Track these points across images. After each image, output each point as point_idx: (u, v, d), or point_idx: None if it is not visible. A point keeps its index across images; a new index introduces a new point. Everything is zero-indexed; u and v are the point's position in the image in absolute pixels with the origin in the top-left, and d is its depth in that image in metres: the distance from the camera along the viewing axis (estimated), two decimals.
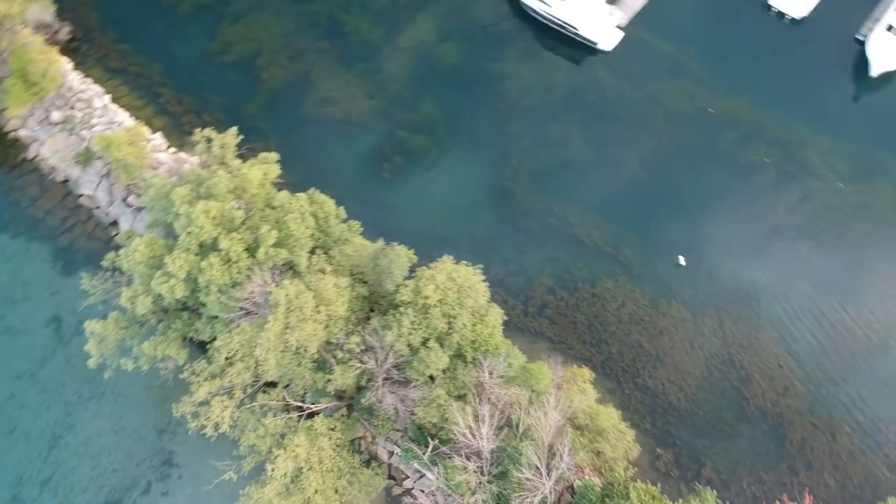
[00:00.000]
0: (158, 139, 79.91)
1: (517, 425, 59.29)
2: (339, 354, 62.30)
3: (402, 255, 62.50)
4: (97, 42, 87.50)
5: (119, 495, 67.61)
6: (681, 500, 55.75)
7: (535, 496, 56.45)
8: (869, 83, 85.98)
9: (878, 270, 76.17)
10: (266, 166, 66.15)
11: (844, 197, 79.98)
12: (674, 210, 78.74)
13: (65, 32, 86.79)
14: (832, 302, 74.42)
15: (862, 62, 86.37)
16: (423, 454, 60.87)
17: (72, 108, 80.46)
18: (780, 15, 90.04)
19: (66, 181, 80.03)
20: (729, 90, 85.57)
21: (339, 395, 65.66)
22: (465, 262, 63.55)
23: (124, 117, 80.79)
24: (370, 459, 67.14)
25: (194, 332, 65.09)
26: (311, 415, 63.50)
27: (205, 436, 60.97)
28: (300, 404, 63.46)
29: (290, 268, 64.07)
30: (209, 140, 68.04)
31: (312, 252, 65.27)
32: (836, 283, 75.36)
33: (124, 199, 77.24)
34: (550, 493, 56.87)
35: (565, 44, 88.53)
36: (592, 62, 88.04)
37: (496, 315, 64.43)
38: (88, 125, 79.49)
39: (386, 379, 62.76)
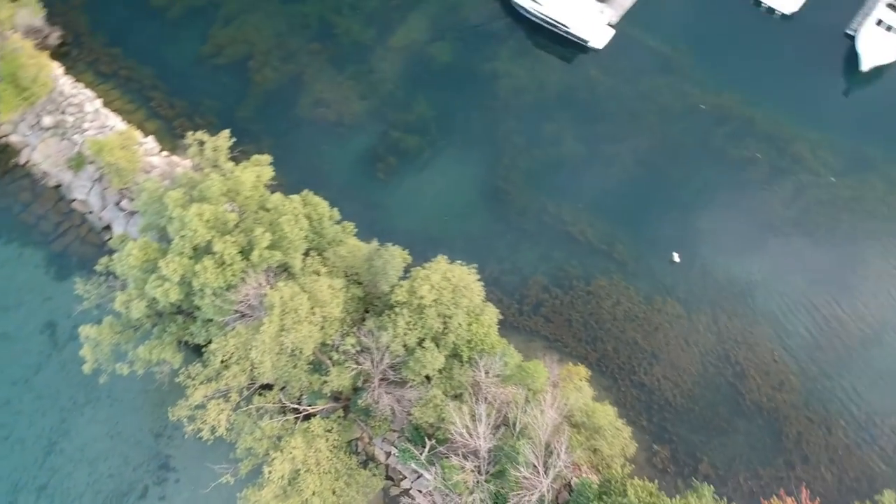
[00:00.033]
0: (151, 143, 79.76)
1: (514, 424, 59.33)
2: (335, 356, 62.26)
3: (396, 256, 62.49)
4: (87, 46, 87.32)
5: (116, 500, 67.44)
6: (678, 497, 55.79)
7: (532, 494, 56.49)
8: (859, 77, 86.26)
9: (871, 263, 76.43)
10: (259, 168, 66.06)
11: (836, 191, 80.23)
12: (667, 207, 78.89)
13: (55, 37, 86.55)
14: (826, 296, 74.65)
15: (852, 57, 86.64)
16: (421, 454, 60.86)
17: (63, 112, 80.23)
18: (770, 10, 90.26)
19: (58, 186, 79.82)
20: (720, 86, 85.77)
21: (336, 397, 65.63)
22: (459, 261, 63.61)
23: (116, 121, 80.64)
24: (367, 460, 67.12)
25: (189, 335, 65.01)
26: (308, 417, 63.43)
27: (201, 439, 60.87)
28: (296, 406, 63.40)
29: (285, 270, 64.01)
30: (202, 143, 67.90)
31: (307, 254, 65.23)
32: (830, 276, 75.60)
33: (117, 204, 77.07)
34: (548, 491, 56.92)
35: (557, 42, 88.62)
36: (584, 60, 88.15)
37: (491, 314, 64.47)
38: (80, 130, 79.29)
39: (382, 380, 62.76)
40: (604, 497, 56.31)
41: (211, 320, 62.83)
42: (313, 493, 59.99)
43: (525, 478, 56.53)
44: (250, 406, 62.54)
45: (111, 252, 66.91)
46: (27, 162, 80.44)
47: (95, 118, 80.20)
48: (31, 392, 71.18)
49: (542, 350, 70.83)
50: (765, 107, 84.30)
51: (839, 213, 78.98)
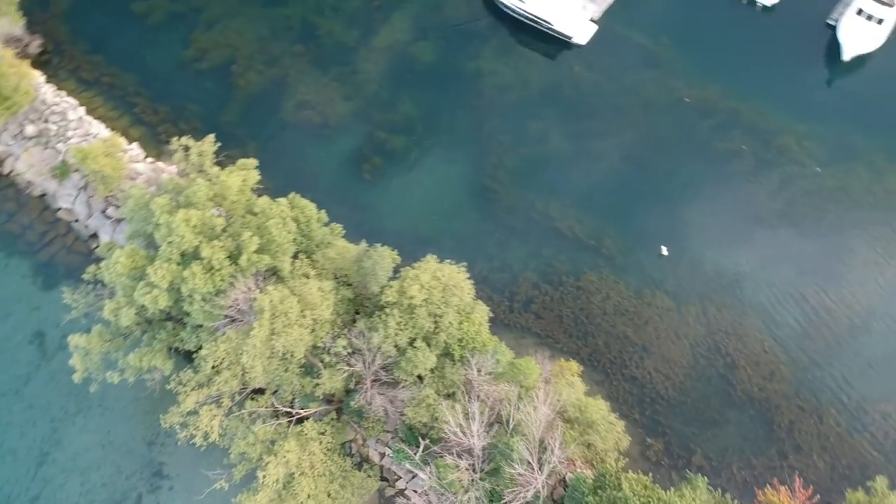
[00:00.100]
0: (135, 149, 79.38)
1: (507, 421, 59.40)
2: (327, 358, 62.17)
3: (385, 257, 62.44)
4: (69, 54, 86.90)
5: None
6: (672, 489, 55.96)
7: (527, 491, 56.59)
8: (841, 67, 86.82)
9: (857, 252, 76.88)
10: (245, 172, 65.84)
11: (822, 181, 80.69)
12: (654, 200, 79.12)
13: (35, 45, 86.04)
14: (813, 285, 75.04)
15: (834, 47, 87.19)
16: (415, 454, 60.87)
17: (46, 121, 79.75)
18: (752, 2, 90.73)
19: (43, 195, 79.35)
20: (704, 79, 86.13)
21: (328, 399, 65.51)
22: (448, 260, 63.59)
23: (100, 129, 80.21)
24: (362, 462, 67.02)
25: (179, 341, 64.74)
26: (301, 420, 63.31)
27: (194, 445, 60.64)
28: (289, 410, 63.26)
29: (274, 273, 63.84)
30: (187, 148, 67.61)
31: (295, 257, 65.10)
32: (817, 266, 76.01)
33: (103, 211, 76.67)
34: (543, 487, 57.04)
35: (540, 39, 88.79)
36: (568, 56, 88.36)
37: (482, 312, 64.51)
38: (64, 138, 78.82)
39: (374, 381, 62.70)
40: (599, 491, 56.43)
41: (201, 326, 62.58)
42: (308, 497, 59.94)
43: (520, 475, 56.63)
44: (243, 411, 62.36)
45: (98, 260, 66.52)
46: (11, 172, 79.92)
47: (79, 126, 79.75)
48: (22, 403, 70.69)
49: (534, 346, 70.91)
50: (749, 99, 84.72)
51: (825, 203, 79.43)
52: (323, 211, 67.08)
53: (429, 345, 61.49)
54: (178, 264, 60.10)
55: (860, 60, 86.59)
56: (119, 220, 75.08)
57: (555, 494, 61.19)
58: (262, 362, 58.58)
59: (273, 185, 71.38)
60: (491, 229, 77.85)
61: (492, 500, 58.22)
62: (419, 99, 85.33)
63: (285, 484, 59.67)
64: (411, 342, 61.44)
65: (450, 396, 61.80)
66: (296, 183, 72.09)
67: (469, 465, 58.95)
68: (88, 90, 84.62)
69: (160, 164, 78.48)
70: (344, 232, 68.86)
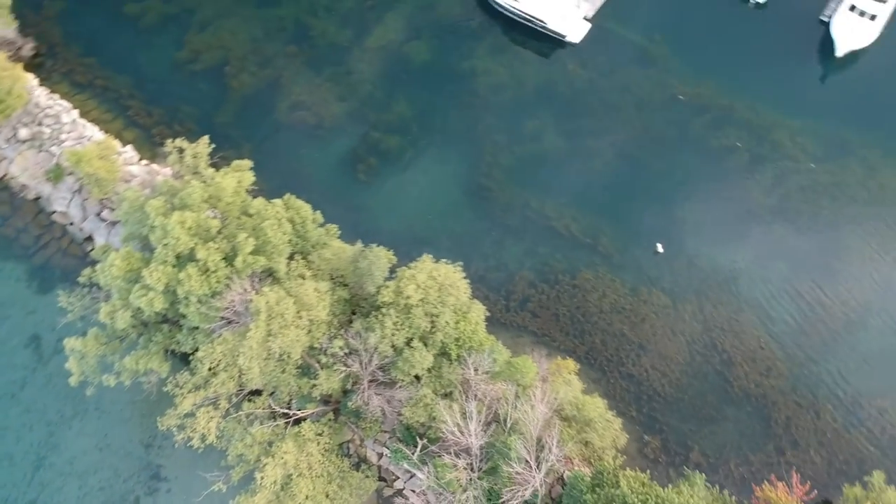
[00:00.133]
0: (130, 152, 79.25)
1: (505, 420, 59.42)
2: (323, 359, 62.12)
3: (381, 257, 62.42)
4: (62, 57, 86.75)
5: None
6: (670, 486, 56.05)
7: (525, 489, 56.63)
8: (835, 63, 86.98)
9: (852, 248, 77.03)
10: (240, 174, 65.77)
11: (816, 177, 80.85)
12: (649, 198, 79.20)
13: (28, 48, 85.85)
14: (809, 281, 75.17)
15: (827, 43, 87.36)
16: (413, 454, 60.86)
17: (40, 124, 79.57)
18: None
19: (37, 199, 79.16)
20: (698, 76, 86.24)
21: (326, 400, 65.48)
22: (444, 260, 63.58)
23: (94, 131, 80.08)
24: (360, 462, 67.00)
25: (176, 344, 64.66)
26: (298, 421, 63.29)
27: (192, 448, 60.59)
28: (286, 411, 63.23)
29: (270, 275, 63.78)
30: (181, 150, 67.52)
31: (291, 258, 65.05)
32: (812, 262, 76.15)
33: (98, 214, 76.53)
34: (541, 485, 57.08)
35: (534, 38, 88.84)
36: (562, 55, 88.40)
37: (478, 311, 64.51)
38: (58, 141, 78.68)
39: (371, 381, 62.68)
40: (597, 489, 56.48)
41: (197, 328, 62.51)
42: (306, 498, 59.89)
43: (518, 473, 56.67)
44: (240, 412, 62.32)
45: (94, 263, 66.39)
46: (5, 175, 79.73)
47: (73, 129, 79.62)
48: (18, 407, 70.55)
49: (531, 345, 70.95)
50: (743, 95, 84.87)
51: (820, 198, 79.59)
52: (318, 212, 67.05)
53: (426, 344, 61.49)
54: (174, 266, 60.00)
55: (853, 56, 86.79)
56: (114, 223, 74.94)
57: (553, 493, 61.22)
58: (259, 364, 58.52)
59: (268, 187, 71.33)
60: (487, 228, 77.86)
61: (490, 499, 58.24)
62: (414, 99, 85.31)
63: (283, 485, 59.62)
64: (408, 342, 61.42)
65: (447, 396, 61.81)
66: (291, 184, 72.08)
67: (467, 464, 58.96)
68: (82, 93, 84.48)
69: (155, 166, 78.38)
70: (339, 232, 68.87)
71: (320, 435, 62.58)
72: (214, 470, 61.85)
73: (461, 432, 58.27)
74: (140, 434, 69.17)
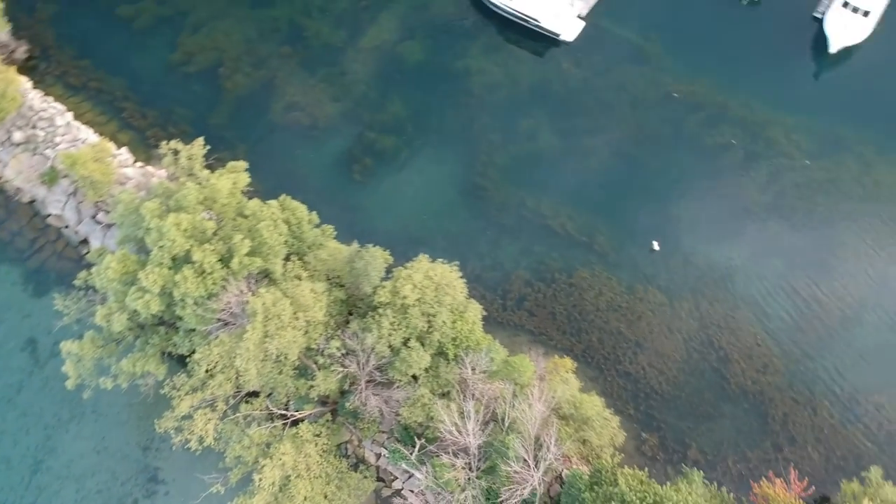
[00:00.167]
0: (124, 154, 79.11)
1: (503, 419, 59.43)
2: (321, 360, 62.08)
3: (377, 257, 62.38)
4: (56, 59, 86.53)
5: None
6: (668, 483, 56.13)
7: (524, 488, 56.64)
8: (828, 60, 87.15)
9: (847, 244, 77.20)
10: (235, 175, 65.68)
11: (811, 173, 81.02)
12: (645, 196, 79.29)
13: (21, 51, 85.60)
14: (805, 278, 75.31)
15: (820, 39, 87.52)
16: (411, 454, 60.84)
17: (34, 127, 79.37)
18: None
19: (32, 202, 78.97)
20: (692, 74, 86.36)
21: (323, 401, 65.44)
22: (441, 259, 63.56)
23: (88, 134, 79.89)
24: (358, 463, 66.98)
25: (172, 346, 64.54)
26: (296, 422, 63.24)
27: (190, 450, 60.51)
28: (284, 412, 63.17)
29: (266, 276, 63.71)
30: (176, 152, 67.37)
31: (287, 259, 64.97)
32: (808, 259, 76.30)
33: (93, 217, 76.37)
34: (539, 484, 57.10)
35: (528, 37, 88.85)
36: (556, 53, 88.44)
37: (475, 311, 64.53)
38: (52, 144, 78.49)
39: (369, 381, 62.65)
40: (595, 487, 56.52)
41: (194, 330, 62.40)
42: (305, 499, 59.84)
43: (516, 472, 56.68)
44: (237, 414, 62.25)
45: (89, 266, 66.31)
46: None
47: (67, 132, 79.42)
48: (14, 411, 70.38)
49: (528, 344, 70.97)
50: (737, 92, 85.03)
51: (815, 195, 79.76)
52: (314, 212, 66.99)
53: (423, 344, 61.47)
54: (170, 268, 59.91)
55: (847, 52, 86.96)
56: (109, 226, 74.80)
57: (551, 491, 61.26)
58: (256, 365, 58.44)
59: (263, 188, 71.31)
60: (482, 228, 77.87)
61: (488, 499, 58.25)
62: (408, 99, 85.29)
63: (281, 486, 59.54)
64: (405, 342, 61.42)
65: (445, 395, 61.80)
66: (286, 185, 72.06)
67: (465, 463, 58.96)
68: (76, 95, 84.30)
69: (149, 168, 78.23)
70: (335, 233, 68.85)
71: (318, 436, 62.54)
72: (212, 472, 61.79)
73: (459, 432, 58.27)
74: (137, 437, 69.04)
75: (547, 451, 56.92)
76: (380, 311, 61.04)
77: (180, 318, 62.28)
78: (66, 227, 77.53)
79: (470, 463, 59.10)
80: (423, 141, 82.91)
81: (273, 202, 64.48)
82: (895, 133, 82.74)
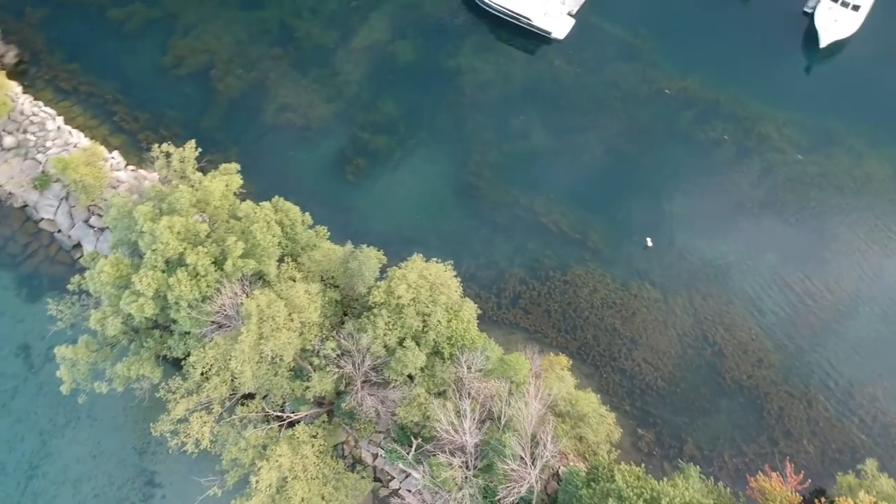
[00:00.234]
0: (116, 157, 78.93)
1: (499, 417, 59.49)
2: (316, 361, 62.00)
3: (371, 257, 62.34)
4: (46, 63, 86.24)
5: None
6: (665, 479, 56.22)
7: (521, 486, 56.68)
8: (819, 54, 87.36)
9: (840, 237, 77.47)
10: (227, 177, 65.55)
11: (803, 168, 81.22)
12: (638, 192, 79.40)
13: (11, 56, 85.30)
14: (798, 272, 75.56)
15: (811, 34, 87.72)
16: (408, 454, 60.86)
17: (24, 132, 79.14)
18: None
19: (24, 206, 78.67)
20: (683, 70, 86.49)
21: (319, 402, 65.37)
22: (435, 259, 63.63)
23: (80, 138, 79.70)
24: (355, 463, 66.94)
25: (167, 349, 64.39)
26: (292, 423, 63.17)
27: (186, 453, 60.33)
28: (280, 414, 63.09)
29: (260, 278, 63.62)
30: (168, 155, 67.25)
31: (281, 260, 64.90)
32: (801, 253, 76.53)
33: (86, 221, 76.15)
34: (536, 481, 57.15)
35: (519, 35, 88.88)
36: (547, 51, 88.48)
37: (470, 309, 64.54)
38: (43, 148, 78.27)
39: (364, 382, 62.61)
40: (592, 484, 56.61)
41: (188, 333, 62.29)
42: (302, 500, 59.75)
43: (513, 470, 56.71)
44: (233, 416, 62.16)
45: (83, 270, 66.07)
46: None
47: (58, 136, 79.23)
48: (9, 417, 70.13)
49: (523, 342, 70.96)
50: (729, 88, 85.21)
51: (807, 189, 79.97)
52: (307, 213, 66.93)
53: (418, 344, 61.46)
54: (164, 272, 59.77)
55: (837, 47, 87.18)
56: (102, 230, 74.61)
57: (548, 489, 61.32)
58: (252, 367, 58.34)
59: (256, 189, 71.22)
60: (476, 226, 77.88)
61: (486, 497, 58.28)
62: (400, 98, 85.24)
63: (278, 488, 59.46)
64: (400, 342, 61.40)
65: (441, 395, 61.81)
66: (279, 186, 72.00)
67: (462, 462, 58.98)
68: (67, 99, 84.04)
69: (142, 171, 78.02)
70: (329, 234, 68.79)
71: (314, 437, 62.47)
72: (209, 475, 61.67)
73: (455, 431, 58.28)
74: (134, 440, 68.90)
75: (544, 449, 56.96)
76: (375, 311, 61.02)
77: (175, 321, 62.16)
78: (59, 231, 77.28)
79: (467, 461, 59.12)
80: (415, 140, 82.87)
81: (266, 204, 64.38)
82: (886, 126, 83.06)
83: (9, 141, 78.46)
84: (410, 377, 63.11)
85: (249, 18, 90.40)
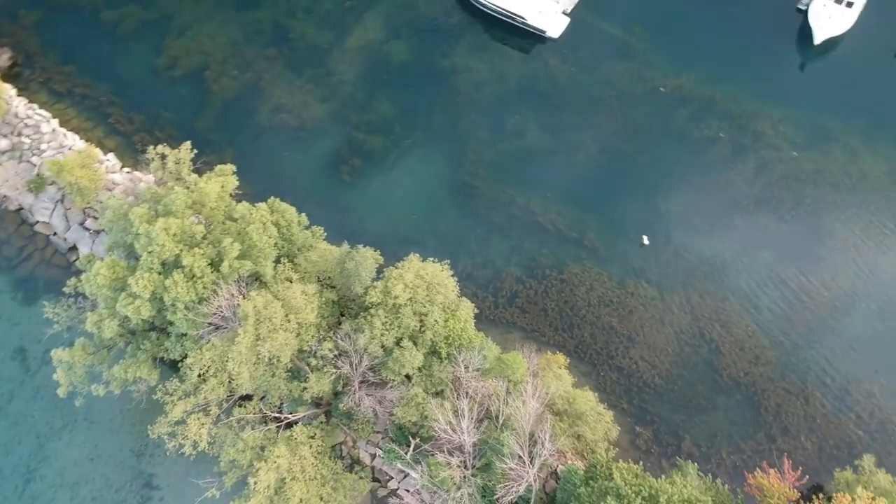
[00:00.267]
0: (111, 160, 78.78)
1: (497, 416, 59.50)
2: (313, 361, 61.96)
3: (368, 257, 62.30)
4: (40, 66, 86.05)
5: None
6: (663, 476, 56.27)
7: (519, 485, 56.73)
8: (813, 51, 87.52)
9: (836, 234, 77.62)
10: (223, 179, 65.45)
11: (799, 165, 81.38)
12: (634, 190, 79.49)
13: (5, 58, 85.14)
14: (794, 269, 75.69)
15: (805, 31, 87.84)
16: (406, 454, 60.85)
17: (19, 134, 78.93)
18: None
19: (19, 209, 78.50)
20: (678, 68, 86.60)
21: (317, 403, 65.33)
22: (431, 258, 63.59)
23: (74, 140, 79.53)
24: (353, 464, 66.91)
25: (164, 351, 64.30)
26: (290, 424, 63.11)
27: (184, 455, 60.19)
28: (277, 415, 63.04)
29: (257, 279, 63.54)
30: (163, 156, 67.10)
31: (277, 261, 64.81)
32: (797, 250, 76.67)
33: (81, 223, 76.02)
34: (535, 480, 57.19)
35: (514, 34, 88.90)
36: (542, 50, 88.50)
37: (467, 309, 64.53)
38: (38, 151, 78.10)
39: (362, 382, 62.58)
40: (590, 482, 56.66)
41: (185, 334, 62.19)
42: (300, 501, 59.70)
43: (511, 469, 56.76)
44: (231, 418, 62.09)
45: (79, 273, 65.95)
46: None
47: (53, 138, 79.05)
48: (6, 420, 69.96)
49: (520, 341, 71.03)
50: (723, 85, 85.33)
51: (803, 186, 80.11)
52: (303, 214, 66.87)
53: (415, 344, 61.44)
54: (160, 274, 59.67)
55: (831, 43, 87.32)
56: (98, 232, 74.47)
57: (547, 487, 61.36)
58: (249, 368, 58.27)
59: (252, 190, 71.13)
60: (472, 226, 77.90)
61: (484, 496, 58.31)
62: (395, 98, 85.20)
63: (277, 489, 59.42)
64: (398, 342, 61.37)
65: (438, 394, 61.80)
66: (275, 187, 71.97)
67: (460, 461, 58.99)
68: (61, 102, 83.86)
69: (137, 173, 77.90)
70: (325, 234, 68.77)
71: (312, 438, 62.43)
72: (207, 476, 61.63)
73: (453, 430, 58.30)
74: (131, 443, 68.79)
75: (542, 447, 57.01)
76: (371, 311, 60.98)
77: (171, 323, 62.05)
78: (55, 234, 77.12)
79: (465, 461, 59.14)
80: (411, 140, 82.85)
81: (262, 205, 64.27)
82: (881, 122, 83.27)
83: (3, 144, 78.27)
84: (408, 377, 63.09)
85: (244, 19, 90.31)
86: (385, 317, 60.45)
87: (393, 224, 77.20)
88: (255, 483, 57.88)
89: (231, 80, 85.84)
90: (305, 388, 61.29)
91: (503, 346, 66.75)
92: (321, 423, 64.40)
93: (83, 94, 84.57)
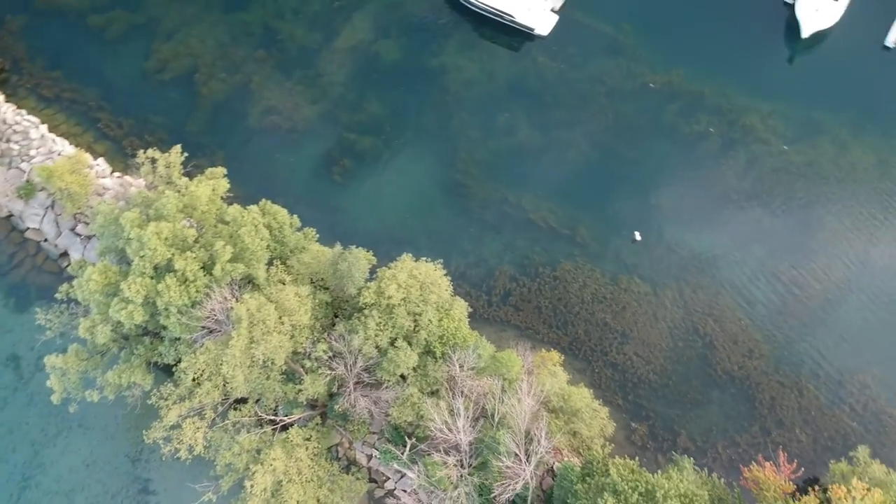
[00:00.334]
0: (101, 164, 78.51)
1: (492, 415, 59.53)
2: (308, 363, 61.91)
3: (360, 258, 62.28)
4: (27, 71, 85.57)
5: None
6: (659, 471, 56.41)
7: (516, 483, 56.81)
8: (801, 45, 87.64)
9: (827, 226, 77.86)
10: (214, 181, 65.34)
11: (789, 158, 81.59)
12: (625, 187, 79.58)
13: None
14: (786, 262, 75.90)
15: (793, 24, 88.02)
16: (402, 454, 60.84)
17: (7, 141, 78.57)
18: None
19: (9, 216, 78.13)
20: (667, 63, 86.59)
21: (312, 404, 65.27)
22: (424, 258, 63.61)
23: (64, 145, 79.22)
24: (349, 465, 66.87)
25: (158, 356, 64.14)
26: (286, 427, 63.04)
27: (179, 460, 60.10)
28: (273, 417, 62.95)
29: (249, 281, 63.46)
30: (153, 160, 66.95)
31: (270, 263, 64.74)
32: (789, 243, 76.87)
33: (72, 229, 75.74)
34: (531, 478, 57.26)
35: (503, 32, 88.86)
36: (531, 48, 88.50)
37: (461, 308, 64.56)
38: (27, 157, 77.78)
39: (357, 383, 62.55)
40: (587, 478, 56.78)
41: (179, 339, 62.04)
42: (297, 503, 59.63)
43: (508, 467, 56.83)
44: (226, 421, 62.02)
45: (70, 279, 65.76)
46: None
47: (42, 144, 78.73)
48: (0, 428, 69.66)
49: (514, 339, 71.09)
50: (712, 81, 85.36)
51: (793, 180, 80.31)
52: (295, 216, 66.84)
53: (410, 344, 61.44)
54: (152, 278, 59.54)
55: (819, 36, 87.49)
56: (89, 237, 74.20)
57: (543, 484, 61.44)
58: (243, 371, 58.21)
59: (243, 193, 70.97)
60: (465, 225, 77.90)
61: (481, 494, 58.38)
62: (386, 98, 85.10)
63: (273, 492, 59.36)
64: (392, 342, 61.36)
65: (434, 394, 61.82)
66: (266, 189, 71.82)
67: (457, 461, 59.02)
68: (49, 107, 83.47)
69: (127, 178, 77.65)
70: (318, 236, 68.71)
71: (308, 440, 62.38)
72: (203, 480, 61.48)
73: (449, 429, 58.32)
74: (126, 448, 68.62)
75: (538, 445, 57.08)
76: (365, 312, 60.95)
77: (165, 328, 61.92)
78: (45, 240, 76.81)
79: (461, 460, 59.17)
80: (402, 140, 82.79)
81: (253, 207, 64.21)
82: (869, 115, 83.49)
83: None
84: (403, 377, 63.09)
85: (232, 21, 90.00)
86: (379, 317, 60.42)
87: (385, 224, 77.14)
88: (252, 486, 57.82)
89: (220, 83, 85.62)
90: (300, 391, 61.22)
91: (497, 345, 66.80)
92: (317, 424, 64.35)
93: (72, 99, 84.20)
